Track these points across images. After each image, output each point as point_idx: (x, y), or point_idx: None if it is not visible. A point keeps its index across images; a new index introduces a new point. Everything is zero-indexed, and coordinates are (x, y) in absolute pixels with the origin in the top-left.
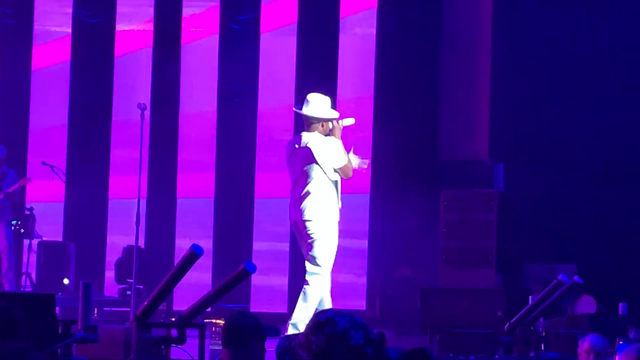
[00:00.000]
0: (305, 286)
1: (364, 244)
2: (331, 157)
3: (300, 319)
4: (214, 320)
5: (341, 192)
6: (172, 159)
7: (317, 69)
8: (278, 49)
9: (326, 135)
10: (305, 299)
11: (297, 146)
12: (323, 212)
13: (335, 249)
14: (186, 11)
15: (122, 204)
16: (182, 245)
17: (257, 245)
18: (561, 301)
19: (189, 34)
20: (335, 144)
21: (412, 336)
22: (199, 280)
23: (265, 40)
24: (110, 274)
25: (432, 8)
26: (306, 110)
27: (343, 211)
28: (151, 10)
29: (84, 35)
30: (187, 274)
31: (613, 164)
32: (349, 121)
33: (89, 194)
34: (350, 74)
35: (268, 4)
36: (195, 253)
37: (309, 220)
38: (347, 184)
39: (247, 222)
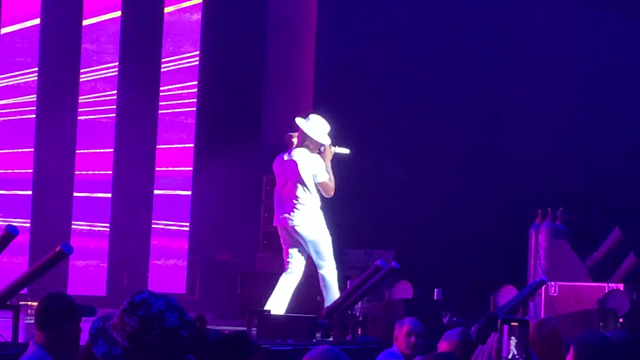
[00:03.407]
0: (320, 276)
1: (185, 227)
2: (312, 172)
3: (329, 300)
4: (29, 302)
5: (164, 176)
6: None
7: (141, 54)
8: (102, 33)
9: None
10: (325, 285)
11: (286, 158)
12: (308, 216)
13: (329, 240)
14: None
15: None
16: None
17: (77, 226)
18: (379, 286)
19: (8, 19)
20: (318, 161)
21: (232, 319)
22: (14, 261)
23: (89, 23)
24: None
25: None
26: (304, 126)
27: (164, 194)
28: None
29: None
30: (2, 254)
31: (430, 155)
32: (343, 150)
33: None
34: (175, 60)
35: None
36: (10, 233)
37: (297, 226)
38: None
39: (66, 203)
